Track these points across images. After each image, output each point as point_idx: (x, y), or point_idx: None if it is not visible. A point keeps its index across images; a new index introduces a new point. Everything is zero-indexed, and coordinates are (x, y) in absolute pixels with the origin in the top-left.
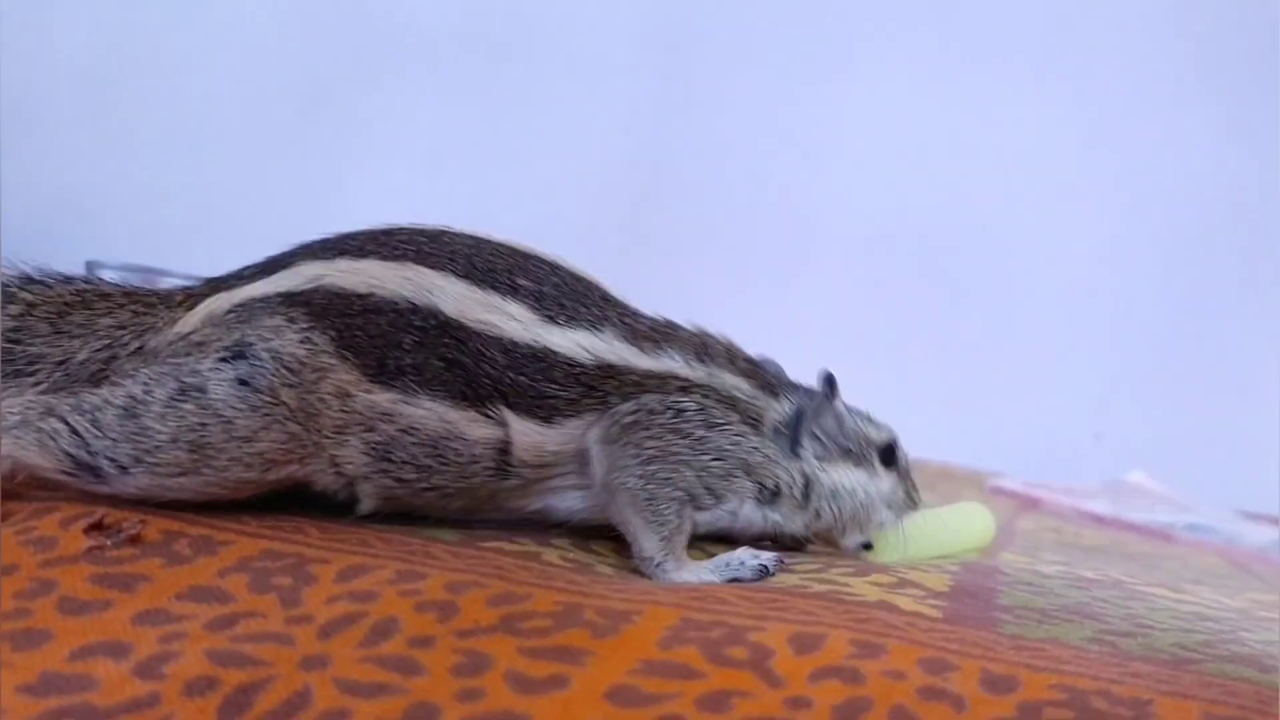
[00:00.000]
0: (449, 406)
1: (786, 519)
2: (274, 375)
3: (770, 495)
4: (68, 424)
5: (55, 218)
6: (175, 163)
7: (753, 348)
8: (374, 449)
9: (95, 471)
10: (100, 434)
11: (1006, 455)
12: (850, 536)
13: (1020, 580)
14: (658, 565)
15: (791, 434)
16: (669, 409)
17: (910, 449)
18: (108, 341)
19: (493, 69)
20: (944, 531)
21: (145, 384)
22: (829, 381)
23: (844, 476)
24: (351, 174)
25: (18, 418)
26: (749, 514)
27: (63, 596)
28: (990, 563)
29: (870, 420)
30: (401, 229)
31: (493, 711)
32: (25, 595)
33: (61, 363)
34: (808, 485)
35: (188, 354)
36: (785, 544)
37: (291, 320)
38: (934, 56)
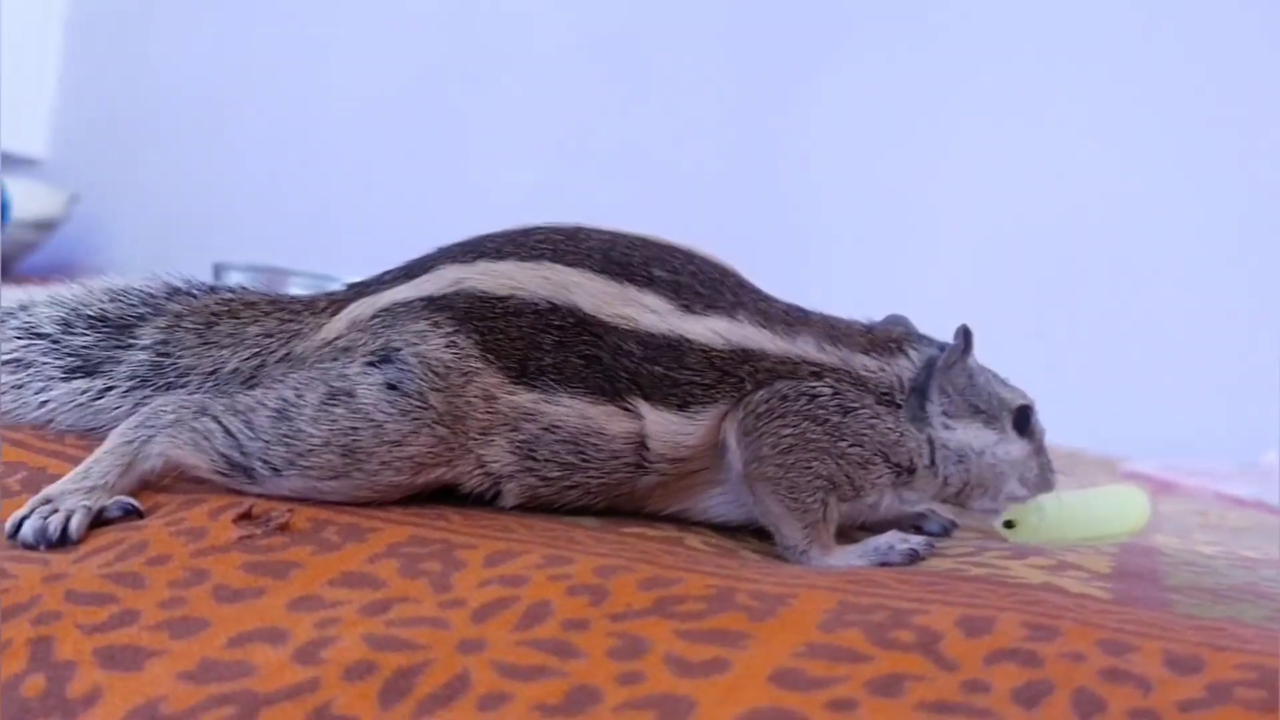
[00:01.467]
0: (588, 403)
1: (920, 494)
2: (422, 379)
3: (907, 474)
4: (221, 424)
5: (182, 221)
6: (295, 164)
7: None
8: (519, 448)
9: (248, 472)
10: (254, 435)
11: (1137, 439)
12: (979, 501)
13: (1182, 561)
14: (802, 553)
15: (920, 390)
16: (803, 395)
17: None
18: (256, 350)
19: (601, 64)
20: (1093, 512)
21: (296, 388)
22: (964, 334)
23: (972, 436)
24: (467, 172)
25: (171, 416)
26: (888, 503)
27: (217, 585)
28: (1146, 544)
29: (1005, 383)
30: (539, 228)
31: (654, 695)
32: (180, 584)
33: (212, 373)
34: (933, 448)
35: (334, 359)
36: (933, 530)
37: (436, 325)
38: (1057, 48)
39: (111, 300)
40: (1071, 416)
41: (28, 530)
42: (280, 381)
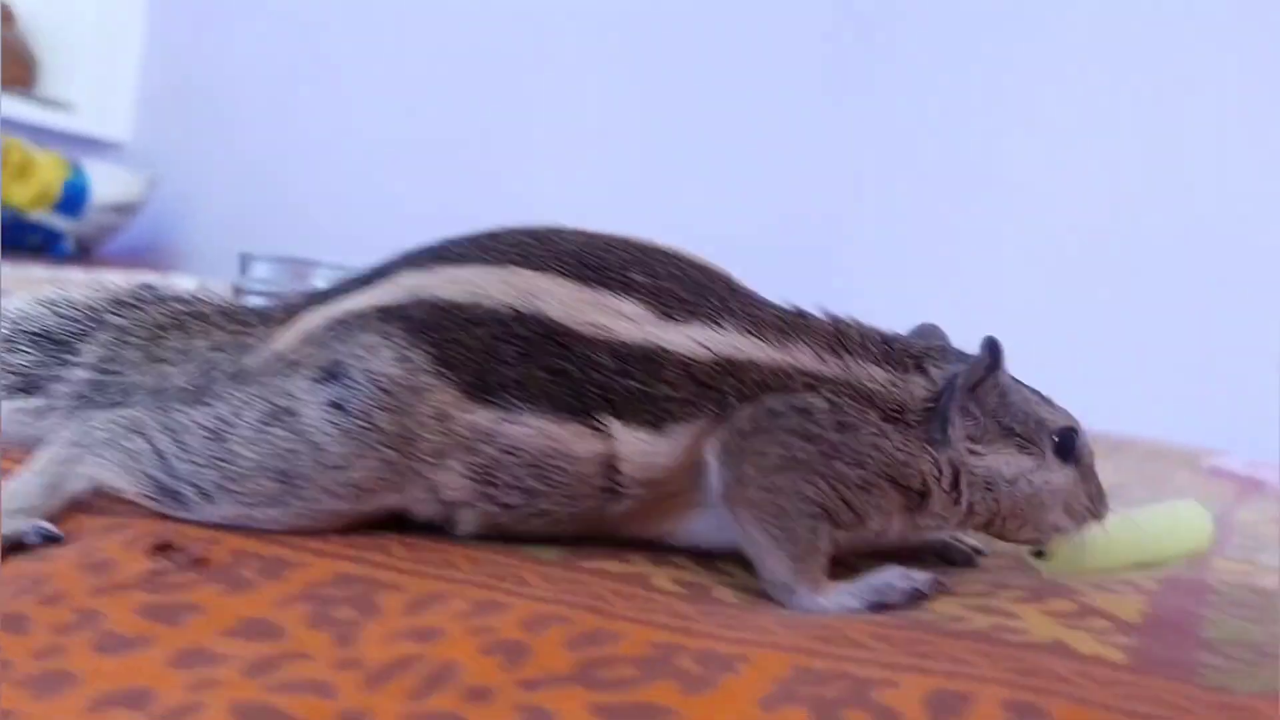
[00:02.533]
0: (552, 421)
1: (940, 522)
2: (369, 398)
3: (919, 498)
4: (152, 444)
5: (259, 202)
6: (346, 155)
7: (956, 336)
8: (476, 472)
9: (177, 497)
10: (185, 457)
11: (1226, 431)
12: (1020, 533)
13: (1233, 600)
14: (787, 589)
15: (940, 409)
16: (795, 410)
17: (1120, 426)
18: (205, 366)
19: (664, 50)
20: (1141, 537)
21: (235, 406)
22: (991, 348)
23: (1003, 462)
24: (520, 160)
25: (103, 434)
26: (899, 529)
27: (104, 631)
28: (1197, 576)
29: (1046, 402)
30: (508, 230)
31: None
32: (65, 629)
33: (158, 392)
34: (956, 475)
35: (282, 374)
36: (954, 559)
37: (387, 336)
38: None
39: (54, 315)
40: (1158, 408)
41: None
42: (220, 398)
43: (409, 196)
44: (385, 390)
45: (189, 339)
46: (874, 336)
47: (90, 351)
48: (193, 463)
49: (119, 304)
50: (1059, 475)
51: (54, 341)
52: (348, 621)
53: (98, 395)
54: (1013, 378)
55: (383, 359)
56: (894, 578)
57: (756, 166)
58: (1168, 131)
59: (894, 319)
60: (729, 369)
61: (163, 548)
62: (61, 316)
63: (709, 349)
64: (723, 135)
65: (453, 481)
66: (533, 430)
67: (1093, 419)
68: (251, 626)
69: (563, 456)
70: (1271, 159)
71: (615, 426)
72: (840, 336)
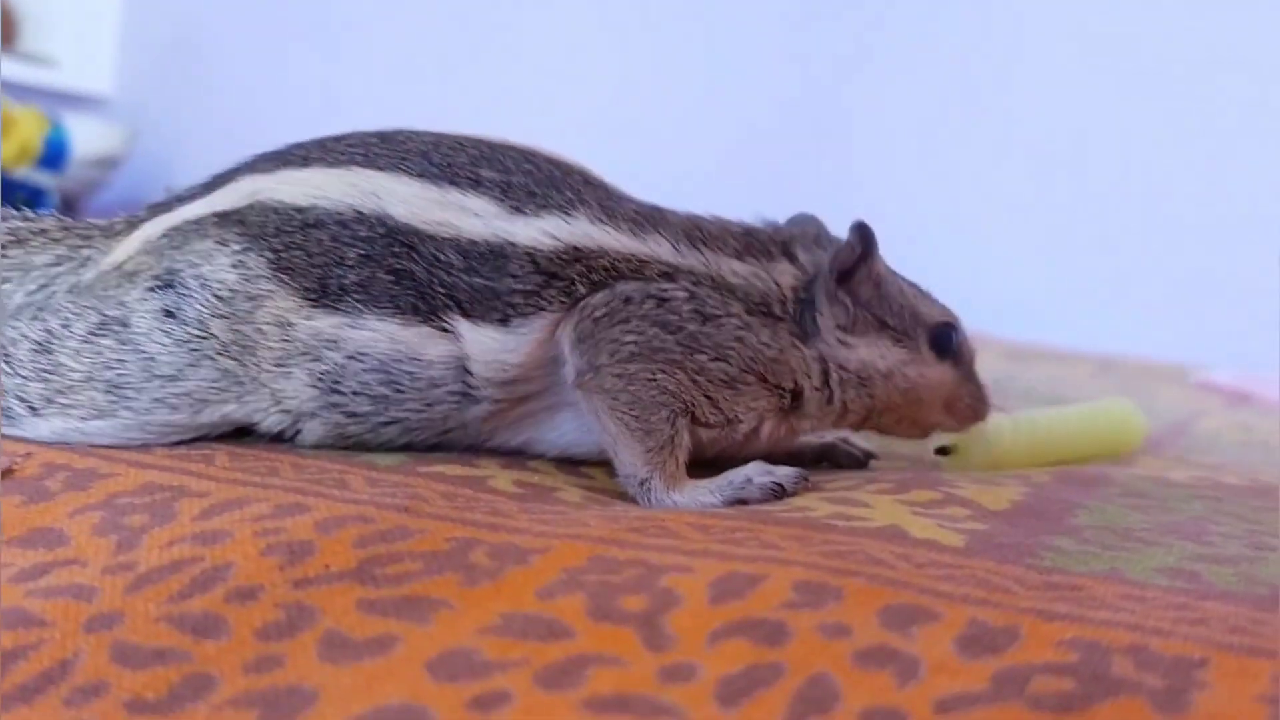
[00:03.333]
0: (399, 325)
1: (815, 422)
2: (203, 305)
3: (792, 398)
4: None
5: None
6: (353, 98)
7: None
8: (320, 380)
9: (5, 413)
10: (11, 371)
11: (1223, 346)
12: (903, 430)
13: (1130, 490)
14: (643, 484)
15: (810, 298)
16: (650, 297)
17: (1112, 345)
18: (43, 281)
19: (664, 31)
20: (1051, 435)
21: (65, 318)
22: (862, 232)
23: (876, 355)
24: (519, 115)
25: None
26: (772, 431)
27: None
28: (1104, 469)
29: (926, 296)
30: (353, 133)
31: (277, 687)
32: None
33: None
34: (826, 369)
35: (118, 285)
36: (842, 462)
37: (223, 243)
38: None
39: None
40: (1149, 325)
41: None
42: (53, 311)
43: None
44: (220, 297)
45: (28, 255)
46: (735, 229)
47: None
48: (20, 376)
49: None
50: (935, 370)
51: None
52: (136, 529)
53: None
54: (889, 269)
55: (218, 265)
56: (753, 472)
57: (776, 132)
58: (1161, 36)
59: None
60: (576, 256)
61: None
62: None
63: (556, 238)
64: (744, 96)
65: (296, 390)
66: (378, 334)
67: (1083, 338)
68: (38, 536)
69: (411, 360)
70: (1264, 66)
71: (463, 325)
72: (698, 229)
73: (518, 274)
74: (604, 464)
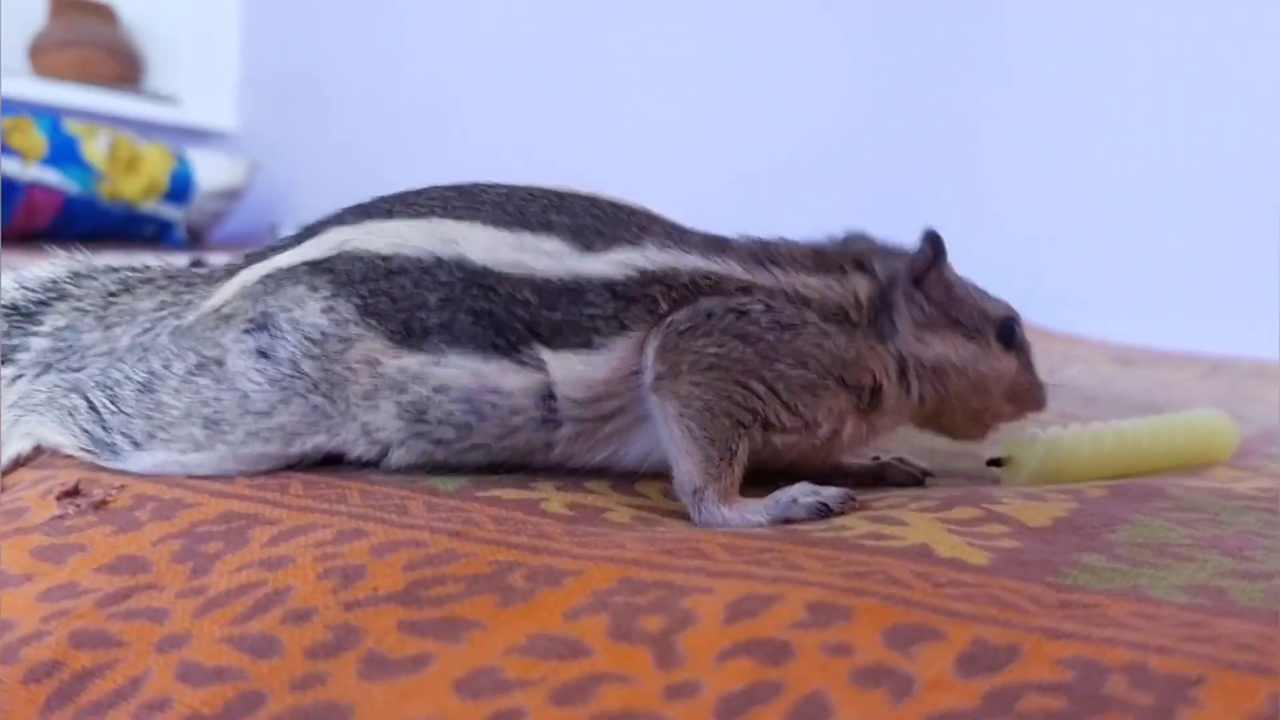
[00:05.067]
0: (480, 360)
1: (893, 419)
2: (295, 346)
3: (871, 397)
4: (88, 399)
5: (360, 182)
6: (457, 126)
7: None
8: (407, 412)
9: (111, 448)
10: (116, 409)
11: None
12: (964, 426)
13: (1183, 505)
14: (696, 494)
15: (887, 301)
16: (730, 311)
17: (1227, 345)
18: (148, 325)
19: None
20: (1115, 449)
21: (166, 359)
22: (933, 239)
23: (950, 350)
24: (623, 152)
25: (44, 395)
26: (853, 432)
27: None
28: (1163, 482)
29: (988, 295)
30: (432, 187)
31: (319, 703)
32: None
33: (108, 352)
34: (904, 365)
35: (215, 327)
36: (900, 481)
37: (314, 289)
38: None
39: (20, 289)
40: (1262, 326)
41: None
42: (156, 353)
43: (508, 179)
44: (311, 340)
45: (135, 301)
46: (801, 249)
47: (50, 320)
48: (124, 414)
49: (76, 275)
50: (1003, 362)
51: (21, 314)
52: (211, 555)
53: (58, 361)
54: (954, 271)
55: (309, 310)
56: (799, 493)
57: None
58: (1264, 32)
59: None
60: (653, 278)
61: (70, 493)
62: (27, 289)
63: (629, 266)
64: (826, 93)
65: (385, 422)
66: (461, 370)
67: (1193, 340)
68: (123, 563)
69: (492, 392)
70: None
71: (546, 354)
72: (765, 250)
73: (595, 303)
74: (659, 479)
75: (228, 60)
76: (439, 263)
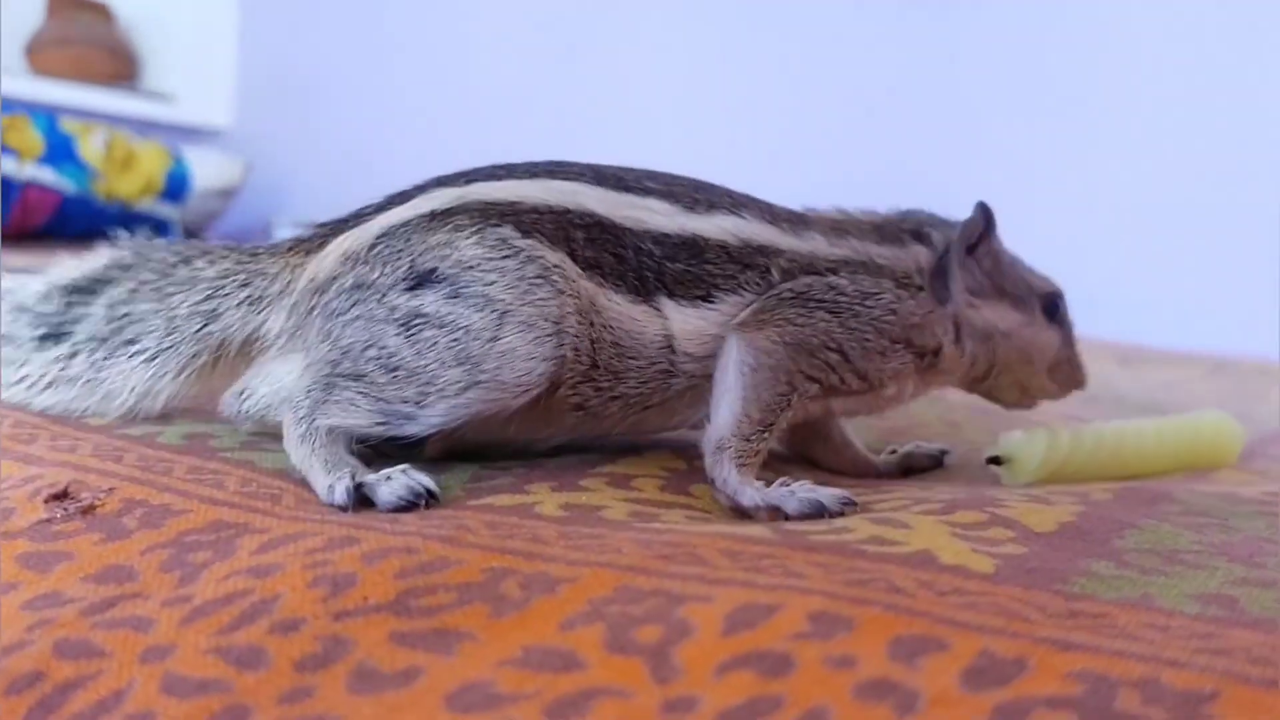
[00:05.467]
0: (630, 302)
1: (948, 376)
2: (475, 281)
3: (933, 357)
4: (353, 393)
5: (355, 180)
6: (457, 124)
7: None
8: (589, 346)
9: (404, 416)
10: (382, 392)
11: None
12: (1008, 394)
13: (1191, 509)
14: (718, 449)
15: (943, 269)
16: (828, 287)
17: (1230, 344)
18: (209, 291)
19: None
20: (1121, 447)
21: (369, 339)
22: (984, 210)
23: (999, 316)
24: (627, 139)
25: (307, 402)
26: (912, 391)
27: None
28: (1169, 485)
29: (1034, 271)
30: (520, 163)
31: (308, 717)
32: None
33: (168, 318)
34: (959, 327)
35: (353, 302)
36: (922, 465)
37: (457, 229)
38: None
39: (80, 268)
40: (1266, 325)
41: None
42: (334, 343)
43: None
44: (487, 269)
45: (196, 271)
46: (867, 221)
47: (108, 295)
48: (394, 389)
49: (136, 252)
50: (1047, 334)
51: (81, 290)
52: (199, 564)
53: (112, 335)
54: (1003, 244)
55: (464, 247)
56: (800, 488)
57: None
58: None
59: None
60: (761, 251)
61: (58, 496)
62: (88, 268)
63: (738, 235)
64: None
65: (574, 348)
66: (620, 308)
67: (1197, 339)
68: (110, 572)
69: (637, 336)
70: None
71: (669, 306)
72: (841, 224)
73: (715, 262)
74: (652, 476)
75: (224, 59)
76: (568, 211)
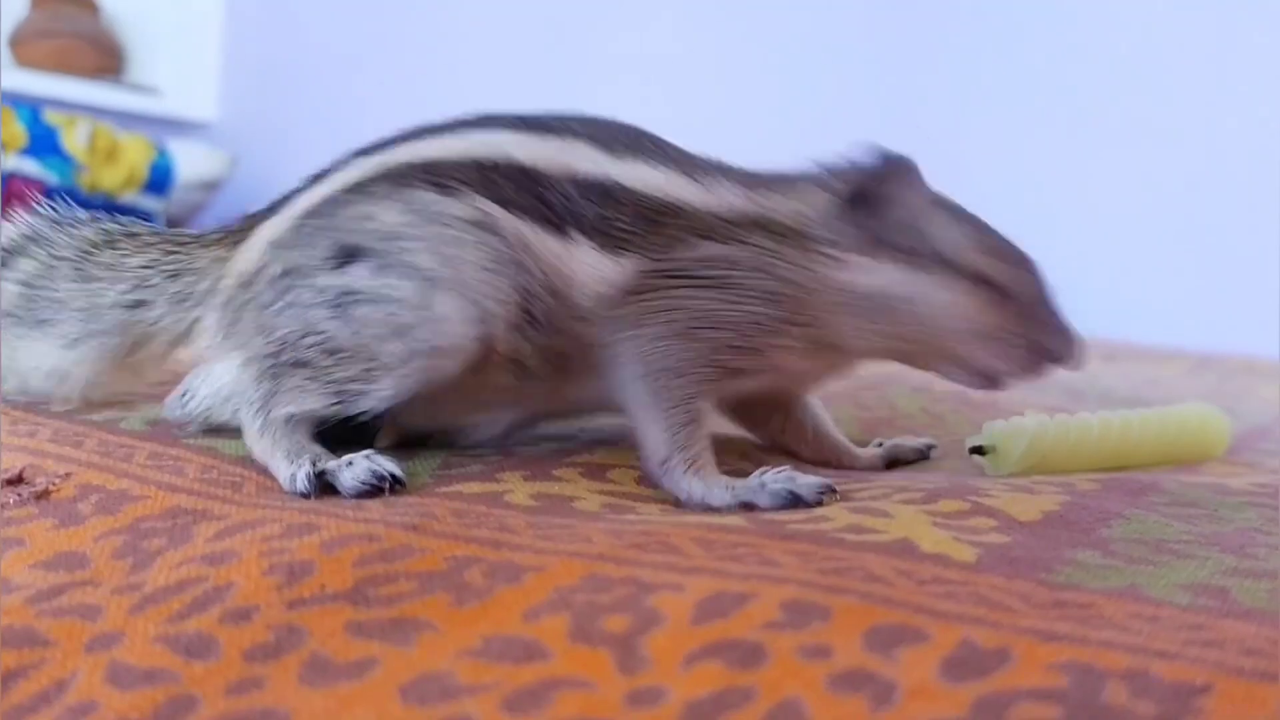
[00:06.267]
0: (559, 244)
1: (855, 355)
2: (398, 252)
3: (823, 330)
4: (301, 382)
5: None
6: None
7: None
8: (519, 295)
9: (354, 394)
10: (329, 373)
11: None
12: (943, 367)
13: (1180, 499)
14: (664, 465)
15: (835, 224)
16: (718, 262)
17: (1213, 342)
18: (135, 282)
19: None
20: (1106, 438)
21: (302, 328)
22: (884, 158)
23: (893, 279)
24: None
25: (260, 397)
26: (814, 366)
27: None
28: (1157, 476)
29: (971, 219)
30: (439, 121)
31: (254, 708)
32: None
33: (87, 307)
34: (854, 296)
35: (284, 288)
36: (907, 458)
37: (376, 198)
38: None
39: None
40: (1250, 322)
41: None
42: (270, 335)
43: None
44: (405, 235)
45: (121, 257)
46: (768, 175)
47: (21, 268)
48: (340, 370)
49: (55, 224)
50: (967, 299)
51: None
52: (153, 551)
53: (24, 312)
54: (927, 195)
55: (387, 216)
56: (771, 479)
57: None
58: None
59: None
60: (668, 210)
61: (13, 481)
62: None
63: (650, 186)
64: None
65: (508, 294)
66: (550, 254)
67: (1180, 335)
68: (62, 559)
69: (567, 281)
70: None
71: (588, 251)
72: (757, 177)
73: (625, 212)
74: (628, 467)
75: (208, 51)
76: (492, 161)
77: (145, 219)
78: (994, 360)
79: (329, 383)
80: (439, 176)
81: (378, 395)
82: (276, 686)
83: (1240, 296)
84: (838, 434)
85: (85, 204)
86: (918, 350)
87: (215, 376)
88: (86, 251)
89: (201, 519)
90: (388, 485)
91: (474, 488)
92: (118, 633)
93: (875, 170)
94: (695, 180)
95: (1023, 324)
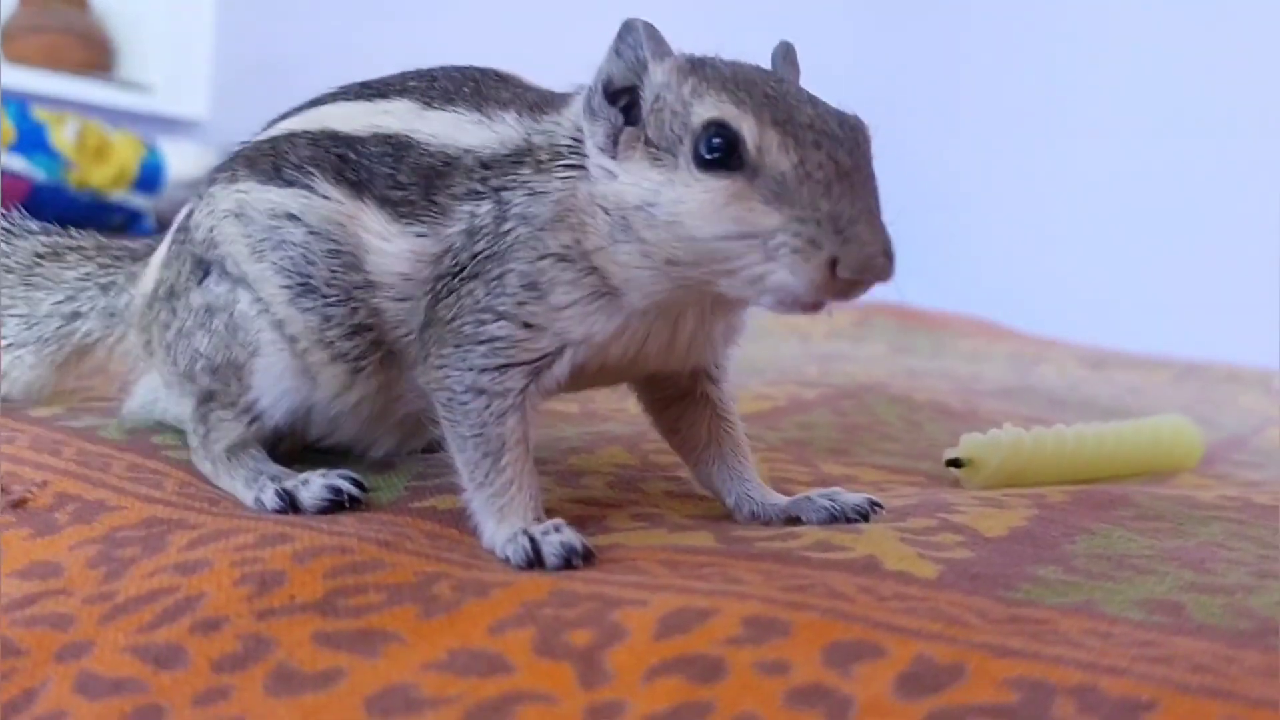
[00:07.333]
0: (383, 221)
1: (634, 292)
2: (233, 260)
3: (597, 273)
4: (207, 413)
5: None
6: None
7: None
8: (295, 264)
9: (250, 407)
10: (226, 393)
11: None
12: (727, 285)
13: (1147, 513)
14: (468, 505)
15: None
16: (479, 229)
17: (1198, 350)
18: (70, 293)
19: None
20: (1081, 450)
21: (196, 349)
22: (629, 27)
23: (633, 182)
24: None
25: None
26: (601, 327)
27: None
28: (1127, 489)
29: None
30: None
31: (222, 718)
32: None
33: (25, 315)
34: (599, 203)
35: (172, 309)
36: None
37: (208, 202)
38: None
39: None
40: (1235, 331)
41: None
42: (173, 361)
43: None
44: (223, 238)
45: (62, 270)
46: (534, 92)
47: None
48: (230, 388)
49: (5, 233)
50: (714, 191)
51: None
52: (127, 560)
53: None
54: (678, 62)
55: (209, 221)
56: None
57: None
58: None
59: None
60: (446, 169)
61: None
62: None
63: (432, 135)
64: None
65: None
66: (367, 231)
67: (1165, 344)
68: (36, 568)
69: (380, 261)
70: None
71: (371, 211)
72: (549, 98)
73: (406, 173)
74: (600, 473)
75: (200, 49)
76: (313, 137)
77: (135, 217)
78: (775, 269)
79: (230, 405)
80: (272, 161)
81: (267, 401)
82: (243, 696)
83: (1226, 305)
84: (745, 462)
85: (74, 202)
86: (692, 275)
87: (148, 380)
88: (31, 265)
89: (176, 528)
90: (346, 500)
91: (448, 502)
92: (88, 642)
93: (627, 48)
94: (483, 120)
95: (801, 223)
